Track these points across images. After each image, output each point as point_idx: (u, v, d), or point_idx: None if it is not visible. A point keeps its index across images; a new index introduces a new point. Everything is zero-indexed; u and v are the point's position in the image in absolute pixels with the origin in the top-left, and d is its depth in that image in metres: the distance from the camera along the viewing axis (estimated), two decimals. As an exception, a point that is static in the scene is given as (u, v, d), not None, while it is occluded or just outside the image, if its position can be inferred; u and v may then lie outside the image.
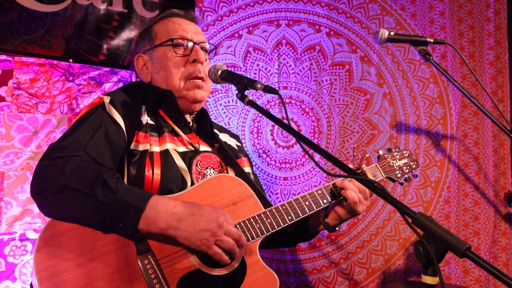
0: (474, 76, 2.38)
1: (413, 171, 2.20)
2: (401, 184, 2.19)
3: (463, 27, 3.66)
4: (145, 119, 1.86)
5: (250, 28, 3.51)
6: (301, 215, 1.89)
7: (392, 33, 2.25)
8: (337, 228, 2.04)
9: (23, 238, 2.78)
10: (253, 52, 3.50)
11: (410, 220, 1.21)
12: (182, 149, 1.91)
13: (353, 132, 3.52)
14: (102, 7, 3.10)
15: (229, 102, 3.44)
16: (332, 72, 3.55)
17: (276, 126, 3.45)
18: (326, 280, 3.41)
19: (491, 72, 3.62)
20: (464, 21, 3.67)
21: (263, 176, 3.42)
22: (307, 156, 3.36)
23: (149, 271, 1.59)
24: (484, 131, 3.60)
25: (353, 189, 1.90)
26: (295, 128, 3.49)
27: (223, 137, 2.21)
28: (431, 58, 2.14)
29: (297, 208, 1.89)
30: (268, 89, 1.57)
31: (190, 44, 2.00)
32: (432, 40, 2.19)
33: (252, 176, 2.12)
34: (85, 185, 1.51)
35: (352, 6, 3.60)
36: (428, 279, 1.19)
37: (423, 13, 3.65)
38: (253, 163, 3.41)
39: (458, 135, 3.59)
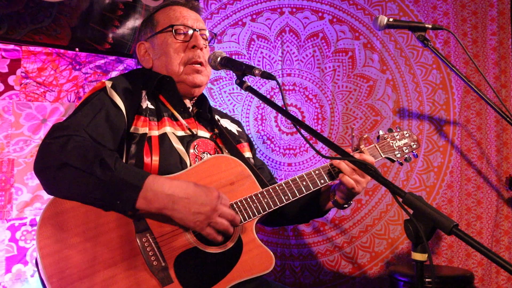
0: (474, 64, 2.39)
1: (413, 151, 2.18)
2: (401, 164, 2.18)
3: (466, 13, 3.66)
4: (145, 104, 1.91)
5: (254, 16, 3.54)
6: (298, 195, 1.91)
7: (391, 19, 2.28)
8: (345, 206, 2.06)
9: (33, 223, 2.85)
10: (256, 39, 3.53)
11: (401, 200, 1.26)
12: (181, 133, 1.96)
13: (356, 119, 3.55)
14: (107, -4, 3.14)
15: (233, 89, 3.48)
16: (335, 59, 3.58)
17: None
18: (330, 264, 3.47)
19: (494, 58, 3.63)
20: (467, 7, 3.67)
21: (267, 162, 3.47)
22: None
23: (147, 249, 1.64)
24: (487, 116, 3.62)
25: (349, 173, 1.92)
26: (299, 114, 3.53)
27: (224, 122, 2.26)
28: (429, 44, 2.16)
29: (294, 188, 1.92)
30: (265, 75, 1.61)
31: (190, 31, 2.05)
32: (430, 26, 2.21)
33: (252, 161, 2.15)
34: (84, 163, 1.56)
35: (355, -7, 3.62)
36: (417, 256, 1.23)
37: (426, -1, 3.66)
38: (258, 150, 3.46)
39: (460, 121, 3.61)
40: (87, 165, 1.56)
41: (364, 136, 2.09)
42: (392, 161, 2.15)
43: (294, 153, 3.50)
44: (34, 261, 2.81)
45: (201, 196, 1.64)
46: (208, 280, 1.70)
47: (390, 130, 2.19)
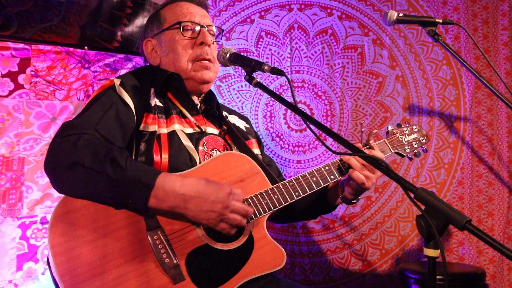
0: (485, 58, 2.36)
1: (422, 146, 2.18)
2: (410, 159, 2.18)
3: (476, 8, 3.63)
4: (154, 101, 1.91)
5: (262, 13, 3.53)
6: (308, 191, 1.92)
7: (401, 14, 2.26)
8: (354, 201, 2.06)
9: (44, 221, 2.87)
10: (265, 36, 3.52)
11: (412, 196, 1.25)
12: (189, 130, 1.96)
13: (366, 115, 3.53)
14: (116, -6, 3.15)
15: (242, 86, 3.48)
16: (344, 56, 3.56)
17: (289, 110, 3.49)
18: (340, 261, 3.46)
19: (506, 53, 3.59)
20: (478, 2, 3.63)
21: (276, 159, 3.46)
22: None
23: (159, 246, 1.64)
24: (498, 112, 3.58)
25: (359, 168, 1.92)
26: (308, 111, 3.51)
27: (232, 119, 2.25)
28: (440, 38, 2.14)
29: (304, 184, 1.92)
30: (275, 71, 1.60)
31: (198, 27, 2.04)
32: (441, 21, 2.19)
33: (260, 157, 2.15)
34: (95, 162, 1.56)
35: (364, -11, 3.60)
36: (430, 252, 1.22)
37: (436, -6, 3.63)
38: (267, 147, 3.45)
39: (471, 117, 3.58)
40: (98, 164, 1.56)
41: (374, 132, 2.08)
42: (402, 156, 2.15)
43: (303, 150, 3.49)
44: (45, 259, 2.83)
45: (212, 194, 1.64)
46: (220, 277, 1.70)
47: (399, 125, 2.20)
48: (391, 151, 2.11)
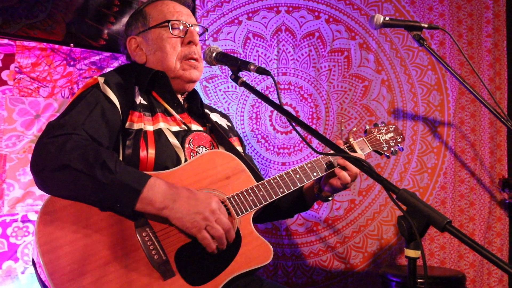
0: (470, 64, 2.40)
1: (398, 145, 2.26)
2: (388, 157, 2.26)
3: (461, 14, 3.68)
4: (139, 99, 1.91)
5: (250, 14, 3.54)
6: (292, 187, 1.95)
7: (387, 18, 2.28)
8: (329, 199, 2.11)
9: (25, 219, 2.84)
10: (252, 38, 3.53)
11: (394, 196, 1.25)
12: (175, 128, 1.96)
13: (351, 118, 3.56)
14: (103, -8, 3.13)
15: (228, 87, 3.48)
16: (331, 59, 3.58)
17: (275, 112, 3.49)
18: (322, 264, 3.47)
19: (489, 59, 3.64)
20: (463, 8, 3.68)
21: (261, 161, 3.47)
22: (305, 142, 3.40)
23: (148, 243, 1.64)
24: (481, 118, 3.63)
25: (352, 170, 1.96)
26: (294, 114, 3.52)
27: (214, 116, 2.27)
28: (425, 43, 2.16)
29: (288, 181, 1.95)
30: (260, 70, 1.61)
31: (185, 26, 2.04)
32: (426, 25, 2.21)
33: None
34: (85, 165, 1.55)
35: (351, -7, 3.63)
36: (410, 253, 1.22)
37: (422, 0, 3.66)
38: (252, 148, 3.45)
39: (455, 122, 3.62)
40: (88, 167, 1.55)
41: (353, 130, 2.17)
42: (380, 154, 2.22)
43: (288, 152, 3.50)
44: (25, 258, 2.80)
45: (201, 198, 1.66)
46: (209, 273, 1.71)
47: (375, 125, 2.27)
48: (370, 149, 2.18)
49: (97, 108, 1.76)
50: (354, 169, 1.97)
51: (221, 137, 2.09)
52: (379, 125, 2.26)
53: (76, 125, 1.67)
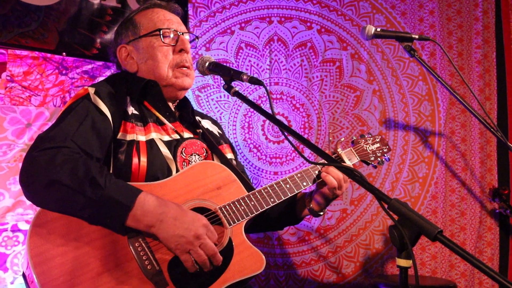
0: (460, 75, 2.44)
1: (385, 155, 2.30)
2: (375, 167, 2.30)
3: (452, 26, 3.72)
4: (130, 109, 1.91)
5: (243, 25, 3.55)
6: (282, 197, 1.96)
7: (378, 29, 2.30)
8: (320, 213, 2.11)
9: (15, 229, 2.81)
10: (245, 48, 3.54)
11: (386, 206, 1.26)
12: (167, 138, 1.95)
13: (343, 128, 3.57)
14: (96, 1, 3.13)
15: (220, 97, 3.48)
16: (323, 69, 3.60)
17: (267, 122, 3.50)
18: (314, 273, 3.46)
19: (479, 71, 3.68)
20: (453, 20, 3.72)
21: (253, 170, 3.47)
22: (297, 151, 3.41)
23: (141, 253, 1.64)
24: (471, 128, 3.66)
25: (334, 175, 1.96)
26: (286, 123, 3.53)
27: (206, 123, 2.27)
28: (415, 54, 2.19)
29: (278, 190, 1.96)
30: (253, 80, 1.62)
31: (176, 34, 2.05)
32: (417, 36, 2.24)
33: (234, 162, 2.17)
34: (74, 181, 1.54)
35: (343, 4, 3.66)
36: (402, 262, 1.23)
37: (413, 11, 3.70)
38: (244, 158, 3.46)
39: (445, 132, 3.65)
40: (77, 183, 1.55)
41: (341, 140, 2.20)
42: (367, 164, 2.27)
43: (280, 161, 3.50)
44: (15, 268, 2.77)
45: (188, 221, 1.65)
46: (202, 282, 1.71)
47: (362, 136, 2.32)
48: (357, 159, 2.22)
49: (87, 119, 1.75)
50: (336, 173, 1.97)
51: (211, 145, 2.10)
52: (366, 136, 2.30)
53: (66, 138, 1.66)
